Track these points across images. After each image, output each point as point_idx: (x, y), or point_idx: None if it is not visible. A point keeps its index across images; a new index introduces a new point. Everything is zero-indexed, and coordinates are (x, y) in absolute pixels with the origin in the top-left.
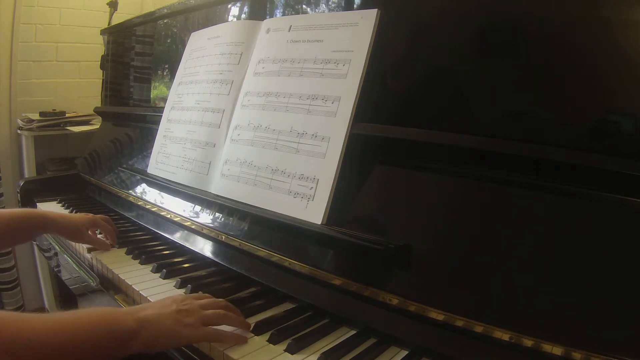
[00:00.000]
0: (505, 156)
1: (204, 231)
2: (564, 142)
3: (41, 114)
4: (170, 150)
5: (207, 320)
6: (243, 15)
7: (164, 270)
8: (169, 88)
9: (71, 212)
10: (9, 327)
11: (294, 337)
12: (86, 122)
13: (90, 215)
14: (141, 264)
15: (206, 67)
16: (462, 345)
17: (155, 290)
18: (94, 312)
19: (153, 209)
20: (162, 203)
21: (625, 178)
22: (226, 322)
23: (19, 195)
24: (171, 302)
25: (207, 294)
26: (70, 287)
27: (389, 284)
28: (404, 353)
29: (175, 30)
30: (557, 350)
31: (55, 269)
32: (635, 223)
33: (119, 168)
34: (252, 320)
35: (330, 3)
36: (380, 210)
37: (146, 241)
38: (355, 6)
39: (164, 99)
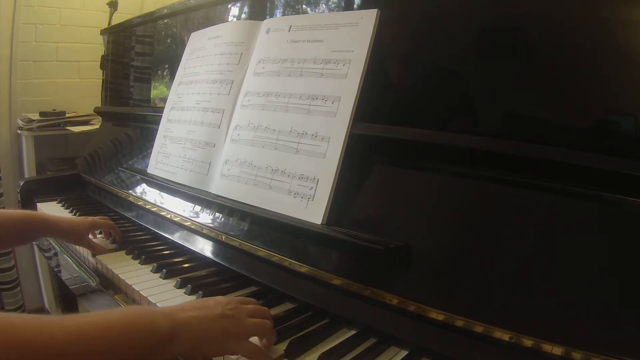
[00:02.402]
0: (505, 156)
1: (204, 231)
2: (564, 142)
3: (41, 114)
4: (170, 150)
5: (253, 330)
6: (243, 15)
7: (164, 270)
8: (169, 88)
9: (71, 212)
10: (24, 332)
11: (294, 337)
12: (86, 122)
13: (90, 218)
14: (141, 264)
15: (206, 67)
16: (462, 345)
17: (155, 290)
18: (126, 312)
19: (153, 209)
20: (162, 203)
21: (625, 178)
22: (268, 336)
23: (19, 195)
24: (215, 303)
25: (251, 298)
26: (70, 287)
27: (389, 284)
28: (404, 353)
29: (175, 30)
30: (557, 350)
31: (55, 269)
32: (635, 223)
33: (119, 168)
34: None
35: (330, 3)
36: (380, 210)
37: (146, 241)
38: (355, 6)
39: (164, 99)
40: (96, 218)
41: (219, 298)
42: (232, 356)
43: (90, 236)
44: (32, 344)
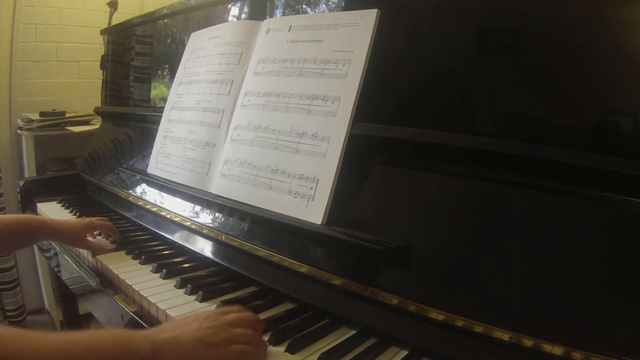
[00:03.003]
0: (505, 156)
1: (204, 231)
2: (564, 142)
3: (41, 114)
4: (170, 150)
5: (235, 339)
6: (243, 15)
7: (164, 270)
8: (169, 88)
9: (71, 212)
10: (6, 346)
11: (294, 337)
12: (86, 122)
13: (87, 219)
14: (141, 264)
15: (206, 67)
16: (462, 345)
17: (155, 290)
18: (106, 334)
19: (153, 209)
20: (162, 203)
21: (625, 178)
22: (253, 343)
23: (19, 195)
24: (193, 320)
25: (235, 307)
26: (70, 287)
27: (389, 284)
28: (404, 353)
29: (175, 30)
30: (557, 350)
31: (55, 269)
32: (635, 223)
33: (119, 168)
34: None
35: (330, 3)
36: (380, 210)
37: (146, 241)
38: (355, 6)
39: (164, 99)
40: (93, 219)
41: (198, 313)
42: None
43: (90, 237)
44: (15, 358)
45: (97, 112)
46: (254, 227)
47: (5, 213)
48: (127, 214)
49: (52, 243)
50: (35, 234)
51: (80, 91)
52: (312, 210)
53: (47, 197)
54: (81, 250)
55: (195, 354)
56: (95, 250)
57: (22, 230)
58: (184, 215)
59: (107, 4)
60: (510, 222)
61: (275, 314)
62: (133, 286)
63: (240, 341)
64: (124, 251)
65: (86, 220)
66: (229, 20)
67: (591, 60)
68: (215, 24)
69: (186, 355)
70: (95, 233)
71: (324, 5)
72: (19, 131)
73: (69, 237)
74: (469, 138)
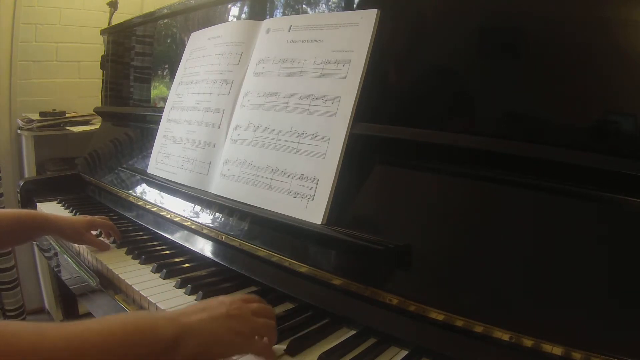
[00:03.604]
0: (505, 156)
1: (204, 231)
2: (564, 142)
3: (41, 114)
4: (170, 150)
5: (259, 329)
6: (243, 15)
7: (164, 270)
8: (169, 88)
9: (71, 212)
10: (21, 341)
11: (294, 337)
12: (86, 122)
13: (89, 216)
14: (141, 264)
15: (206, 67)
16: (462, 345)
17: (155, 290)
18: (128, 319)
19: (153, 209)
20: (162, 203)
21: (625, 178)
22: (271, 336)
23: (19, 195)
24: (219, 304)
25: (254, 296)
26: (70, 287)
27: (389, 284)
28: (404, 353)
29: (175, 30)
30: (557, 350)
31: (55, 269)
32: (635, 223)
33: (119, 168)
34: None
35: (330, 3)
36: (380, 210)
37: (146, 241)
38: (355, 6)
39: (164, 99)
40: (95, 217)
41: (222, 298)
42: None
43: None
44: (33, 353)
45: (97, 112)
46: (254, 227)
47: None
48: (127, 214)
49: (52, 243)
50: (36, 229)
51: (80, 91)
52: (312, 210)
53: (47, 197)
54: (81, 250)
55: (225, 339)
56: (96, 247)
57: (23, 226)
58: (184, 215)
59: (107, 4)
60: (510, 222)
61: (276, 314)
62: (133, 286)
63: (264, 333)
64: (124, 251)
65: (87, 217)
66: (229, 20)
67: (591, 60)
68: (215, 24)
69: (216, 340)
70: (95, 233)
71: (324, 5)
72: (19, 131)
73: (70, 233)
74: (469, 138)
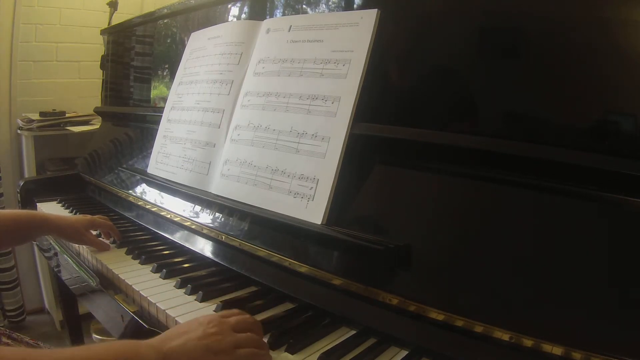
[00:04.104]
0: (505, 156)
1: (204, 231)
2: (564, 142)
3: (41, 114)
4: (170, 150)
5: (239, 343)
6: (243, 15)
7: (164, 270)
8: (169, 88)
9: (71, 212)
10: None
11: (294, 337)
12: (86, 122)
13: (89, 216)
14: (141, 264)
15: (206, 67)
16: (462, 345)
17: (155, 290)
18: (112, 346)
19: (153, 209)
20: (162, 203)
21: (625, 178)
22: (258, 346)
23: (19, 195)
24: (197, 325)
25: (234, 310)
26: (70, 287)
27: (389, 284)
28: (404, 353)
29: (175, 30)
30: (557, 350)
31: (55, 269)
32: (635, 223)
33: (119, 168)
34: None
35: (330, 3)
36: (380, 210)
37: (146, 241)
38: (355, 6)
39: (164, 99)
40: (95, 217)
41: (200, 318)
42: None
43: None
44: None
45: (97, 112)
46: (254, 227)
47: None
48: (127, 214)
49: (52, 243)
50: (35, 229)
51: (80, 91)
52: (312, 210)
53: (47, 197)
54: (81, 250)
55: None
56: (96, 247)
57: (22, 226)
58: (184, 215)
59: (107, 4)
60: (510, 222)
61: (275, 314)
62: (133, 286)
63: (247, 345)
64: (124, 251)
65: (88, 217)
66: (229, 20)
67: (591, 60)
68: (215, 24)
69: None
70: (95, 233)
71: (324, 5)
72: (19, 131)
73: (70, 232)
74: (469, 138)
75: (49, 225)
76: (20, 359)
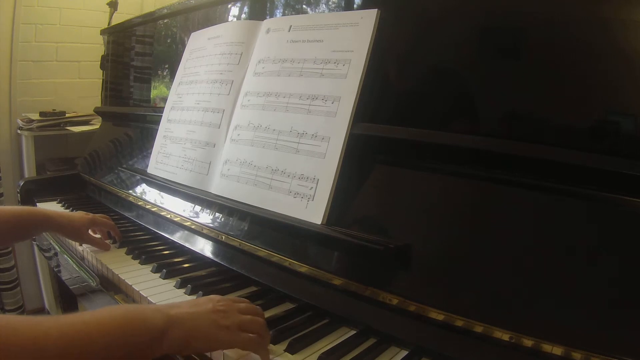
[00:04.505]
0: (505, 156)
1: (204, 231)
2: (564, 142)
3: (41, 114)
4: (170, 150)
5: (245, 325)
6: (243, 15)
7: (164, 270)
8: (169, 88)
9: (71, 212)
10: (19, 335)
11: (294, 337)
12: (86, 122)
13: (90, 214)
14: (141, 264)
15: (206, 67)
16: (462, 345)
17: (155, 290)
18: (117, 310)
19: (153, 209)
20: (162, 203)
21: (625, 178)
22: (262, 332)
23: (19, 195)
24: (207, 300)
25: (244, 299)
26: (70, 287)
27: (389, 284)
28: (404, 353)
29: (175, 30)
30: (557, 350)
31: (55, 269)
32: (635, 223)
33: (119, 168)
34: None
35: (330, 3)
36: (380, 210)
37: (146, 241)
38: (355, 6)
39: (164, 99)
40: (96, 215)
41: (212, 296)
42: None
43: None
44: (26, 343)
45: (97, 112)
46: (254, 227)
47: None
48: (127, 214)
49: (52, 243)
50: (37, 225)
51: (80, 91)
52: (312, 210)
53: (47, 197)
54: (81, 250)
55: (208, 332)
56: (96, 246)
57: (22, 222)
58: (184, 215)
59: (107, 4)
60: (510, 222)
61: (275, 314)
62: (133, 286)
63: (250, 329)
64: (124, 251)
65: (89, 215)
66: (229, 20)
67: (591, 60)
68: (215, 24)
69: (199, 332)
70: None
71: (324, 5)
72: (19, 131)
73: (70, 230)
74: (469, 138)
75: (49, 222)
76: (25, 324)
